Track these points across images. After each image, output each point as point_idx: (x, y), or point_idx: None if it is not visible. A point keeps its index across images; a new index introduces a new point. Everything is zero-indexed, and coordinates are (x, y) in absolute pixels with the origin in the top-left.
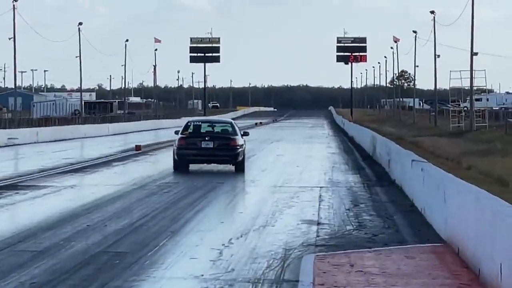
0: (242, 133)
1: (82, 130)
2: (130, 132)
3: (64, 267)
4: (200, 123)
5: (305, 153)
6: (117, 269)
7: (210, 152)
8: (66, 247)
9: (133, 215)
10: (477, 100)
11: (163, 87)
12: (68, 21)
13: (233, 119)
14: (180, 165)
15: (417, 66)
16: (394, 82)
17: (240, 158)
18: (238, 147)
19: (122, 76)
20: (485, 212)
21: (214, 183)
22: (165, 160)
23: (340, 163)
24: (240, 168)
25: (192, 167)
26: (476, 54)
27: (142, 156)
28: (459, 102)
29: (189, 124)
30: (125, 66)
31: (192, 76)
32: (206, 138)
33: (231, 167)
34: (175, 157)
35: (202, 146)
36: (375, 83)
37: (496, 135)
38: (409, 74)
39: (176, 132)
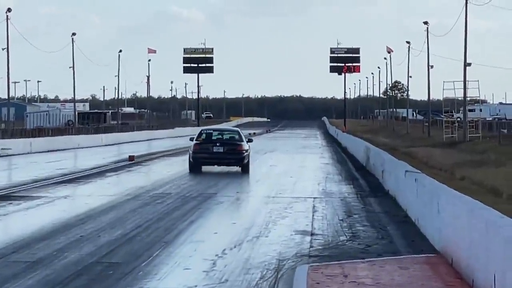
0: (247, 140)
1: (75, 141)
2: (124, 143)
3: (57, 278)
4: (211, 131)
5: (299, 163)
6: (110, 280)
7: (220, 155)
8: (59, 258)
9: (126, 226)
10: (470, 110)
11: (156, 97)
12: (62, 31)
13: None
14: (195, 167)
15: (411, 76)
16: (388, 93)
17: (246, 161)
18: (244, 151)
19: (115, 87)
20: (479, 223)
21: (208, 194)
22: (159, 171)
23: (334, 174)
24: (245, 170)
25: (187, 179)
26: (469, 64)
27: (135, 166)
28: (452, 112)
29: (202, 132)
30: (118, 76)
31: (186, 87)
32: (217, 144)
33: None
34: (191, 159)
35: (214, 150)
36: (369, 94)
37: (490, 145)
38: (403, 84)
39: (191, 139)
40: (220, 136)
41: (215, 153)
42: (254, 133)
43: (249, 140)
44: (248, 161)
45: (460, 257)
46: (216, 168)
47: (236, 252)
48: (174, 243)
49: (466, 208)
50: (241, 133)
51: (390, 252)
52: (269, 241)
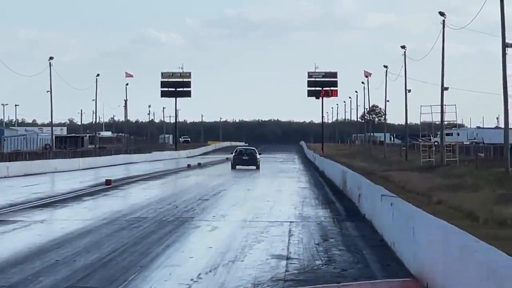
0: (259, 153)
1: (52, 165)
2: (101, 167)
3: None
4: (242, 149)
5: (276, 187)
6: None
7: (245, 161)
8: (34, 282)
9: (102, 250)
10: (447, 134)
11: (134, 121)
12: (40, 55)
13: (204, 153)
14: (233, 167)
15: (388, 100)
16: (365, 117)
17: (258, 164)
18: (257, 159)
19: (93, 111)
20: (454, 247)
21: (184, 218)
22: (136, 195)
23: (311, 198)
24: (258, 168)
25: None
26: (446, 88)
27: (112, 190)
28: (429, 136)
29: (237, 149)
30: (96, 100)
31: (163, 111)
32: (244, 155)
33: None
34: (232, 163)
35: (243, 158)
36: (346, 118)
37: (467, 169)
38: (380, 108)
39: (231, 153)
40: (245, 151)
41: (243, 160)
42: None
43: (260, 153)
44: (259, 164)
45: (436, 281)
46: (200, 189)
47: (211, 276)
48: (149, 267)
49: (441, 232)
50: (256, 150)
51: (366, 276)
52: (244, 265)
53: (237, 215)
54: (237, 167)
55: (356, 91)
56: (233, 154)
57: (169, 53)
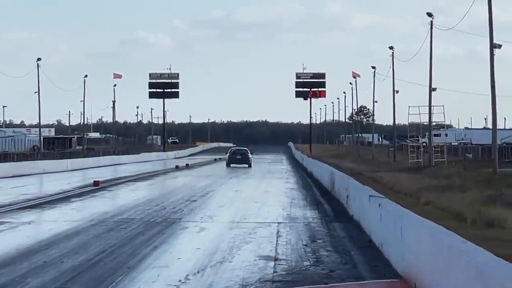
0: (251, 153)
1: (40, 166)
2: (89, 168)
3: None
4: (235, 149)
5: (264, 188)
6: None
7: (239, 160)
8: (22, 284)
9: (90, 251)
10: (435, 135)
11: (122, 122)
12: (28, 57)
13: (192, 154)
14: (228, 165)
15: (376, 101)
16: (353, 118)
17: (250, 162)
18: (249, 158)
19: (81, 112)
20: (441, 248)
21: (172, 219)
22: (124, 196)
23: (299, 199)
24: (250, 166)
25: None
26: (434, 89)
27: (100, 192)
28: (417, 137)
29: (231, 150)
30: (84, 101)
31: (152, 112)
32: (238, 155)
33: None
34: (227, 161)
35: (236, 157)
36: (334, 119)
37: (455, 170)
38: (368, 109)
39: (226, 153)
40: (238, 151)
41: (237, 159)
42: (220, 158)
43: (251, 153)
44: (251, 163)
45: (423, 282)
46: (184, 192)
47: (199, 277)
48: (137, 268)
49: (429, 233)
50: (248, 150)
51: (354, 277)
52: (232, 267)
53: (225, 216)
54: (231, 165)
55: (344, 92)
56: (228, 154)
57: (158, 54)
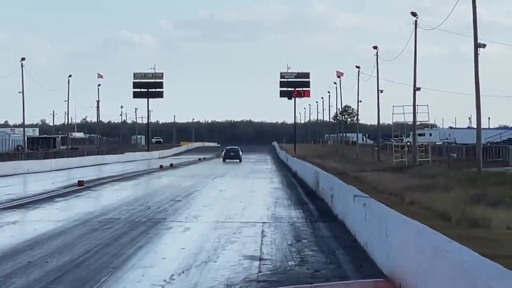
0: (241, 151)
1: (25, 166)
2: (74, 168)
3: None
4: (229, 148)
5: (248, 188)
6: None
7: (232, 156)
8: (6, 284)
9: (74, 251)
10: (420, 135)
11: (106, 122)
12: (12, 57)
13: (176, 154)
14: (224, 160)
15: (360, 101)
16: (338, 117)
17: (241, 158)
18: (241, 155)
19: (65, 112)
20: (426, 247)
21: (157, 219)
22: (108, 196)
23: (283, 198)
24: (240, 161)
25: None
26: (419, 89)
27: (84, 191)
28: (402, 137)
29: (226, 148)
30: (68, 101)
31: (136, 112)
32: (231, 153)
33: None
34: (223, 157)
35: (230, 154)
36: (319, 118)
37: (439, 170)
38: (353, 109)
39: (222, 151)
40: (232, 150)
41: (231, 155)
42: (204, 158)
43: (241, 151)
44: (241, 158)
45: (408, 282)
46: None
47: (184, 277)
48: (122, 268)
49: (413, 233)
50: (239, 149)
51: (338, 276)
52: (217, 266)
53: (210, 216)
54: (227, 160)
55: (328, 92)
56: (224, 152)
57: (142, 54)
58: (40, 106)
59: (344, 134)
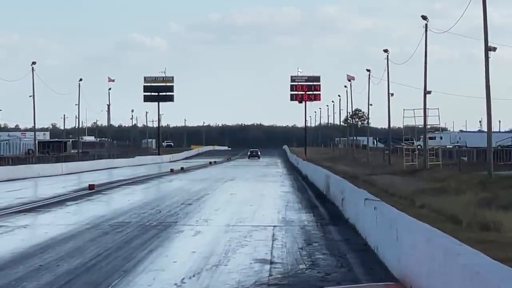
0: (260, 152)
1: (35, 170)
2: (84, 171)
3: None
4: (252, 150)
5: (259, 191)
6: None
7: (254, 155)
8: (18, 287)
9: (85, 255)
10: (430, 138)
11: (117, 126)
12: (23, 60)
13: (187, 158)
14: (249, 158)
15: (371, 104)
16: (348, 121)
17: (260, 157)
18: (260, 155)
19: (76, 116)
20: (437, 251)
21: (167, 222)
22: (119, 199)
23: (294, 202)
24: (259, 158)
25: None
26: (429, 92)
27: (95, 195)
28: (412, 140)
29: (250, 150)
30: (79, 105)
31: (146, 115)
32: (254, 153)
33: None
34: (248, 156)
35: (253, 154)
36: (329, 122)
37: (450, 173)
38: (363, 112)
39: (246, 153)
40: (254, 151)
41: (253, 155)
42: (215, 162)
43: (260, 152)
44: (260, 157)
45: (419, 285)
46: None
47: (195, 281)
48: (133, 272)
49: (424, 236)
50: (259, 150)
51: (349, 280)
52: (228, 270)
53: (220, 220)
54: (250, 158)
55: (339, 95)
56: (248, 152)
57: (153, 57)
58: (51, 110)
59: (355, 138)
